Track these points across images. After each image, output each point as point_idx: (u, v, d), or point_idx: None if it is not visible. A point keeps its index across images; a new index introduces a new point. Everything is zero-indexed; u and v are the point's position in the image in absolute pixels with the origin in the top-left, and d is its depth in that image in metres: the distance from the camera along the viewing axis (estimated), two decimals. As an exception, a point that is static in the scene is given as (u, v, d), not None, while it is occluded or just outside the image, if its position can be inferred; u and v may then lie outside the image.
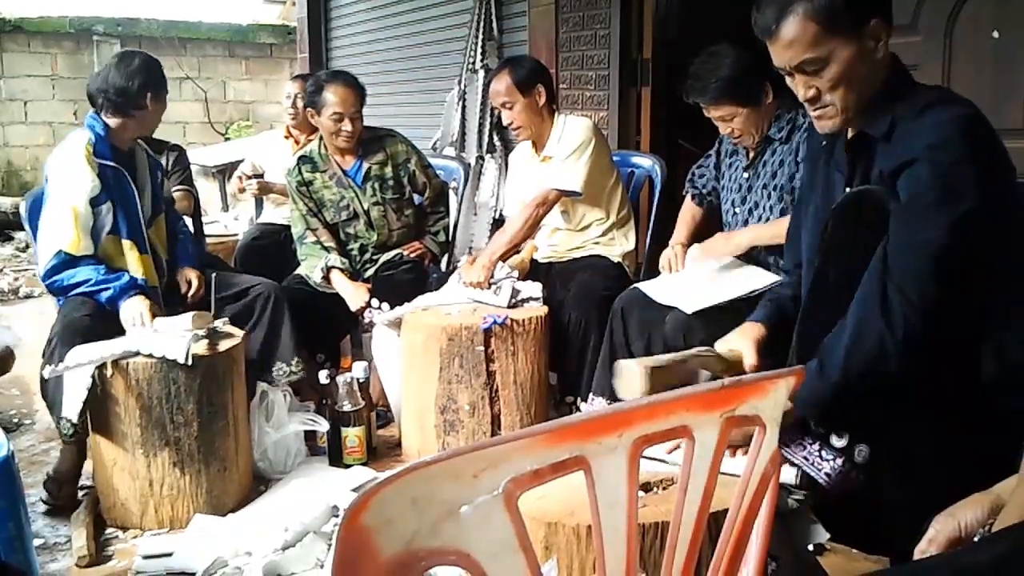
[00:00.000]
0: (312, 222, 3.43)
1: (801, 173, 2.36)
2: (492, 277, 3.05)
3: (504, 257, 3.12)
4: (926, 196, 1.55)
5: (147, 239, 2.90)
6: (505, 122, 3.21)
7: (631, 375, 1.68)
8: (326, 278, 3.33)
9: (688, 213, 3.00)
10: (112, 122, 2.85)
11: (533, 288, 3.03)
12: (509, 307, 2.91)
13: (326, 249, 3.39)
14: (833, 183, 1.81)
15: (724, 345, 1.86)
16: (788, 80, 1.74)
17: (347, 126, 3.32)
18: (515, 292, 2.97)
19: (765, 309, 1.94)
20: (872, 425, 1.67)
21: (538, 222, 3.12)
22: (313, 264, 3.35)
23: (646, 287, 2.63)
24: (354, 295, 3.28)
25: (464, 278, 3.06)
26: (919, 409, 1.60)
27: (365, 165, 3.44)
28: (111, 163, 2.82)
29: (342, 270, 3.35)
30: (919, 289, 1.54)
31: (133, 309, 2.67)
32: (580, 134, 3.08)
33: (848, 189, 1.75)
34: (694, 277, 2.63)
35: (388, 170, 3.45)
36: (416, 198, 3.61)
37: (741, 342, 1.85)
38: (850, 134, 1.76)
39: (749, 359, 1.81)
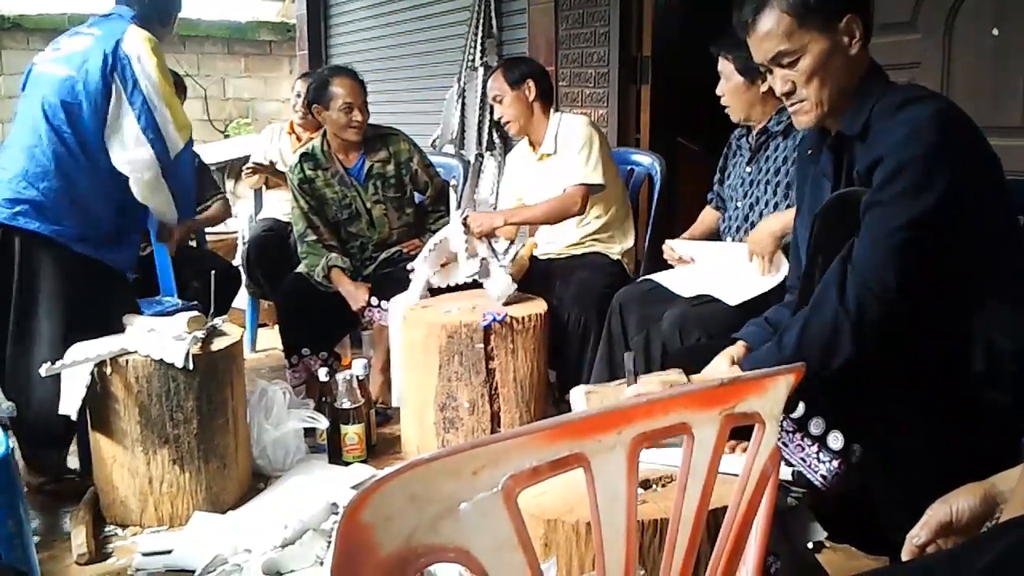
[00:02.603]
0: (313, 220, 3.43)
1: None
2: (493, 244, 3.02)
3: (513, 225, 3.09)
4: (892, 188, 1.57)
5: None
6: (496, 115, 3.23)
7: (574, 399, 1.84)
8: (327, 277, 3.33)
9: (705, 215, 3.00)
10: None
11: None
12: (504, 304, 2.92)
13: (328, 248, 3.40)
14: (820, 186, 1.83)
15: (709, 371, 1.85)
16: (768, 76, 1.77)
17: (357, 116, 3.33)
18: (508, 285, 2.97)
19: (754, 327, 1.93)
20: (863, 424, 1.67)
21: (566, 217, 3.09)
22: (314, 263, 3.36)
23: (665, 280, 2.61)
24: (355, 295, 3.30)
25: (472, 223, 3.01)
26: (909, 405, 1.61)
27: (368, 163, 3.44)
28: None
29: (343, 269, 3.36)
30: (877, 279, 1.57)
31: None
32: (583, 130, 3.07)
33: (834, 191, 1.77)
34: (717, 266, 2.62)
35: (390, 168, 3.46)
36: (417, 197, 3.61)
37: (719, 363, 1.84)
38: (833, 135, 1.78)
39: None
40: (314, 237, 3.41)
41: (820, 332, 1.61)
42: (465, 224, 2.98)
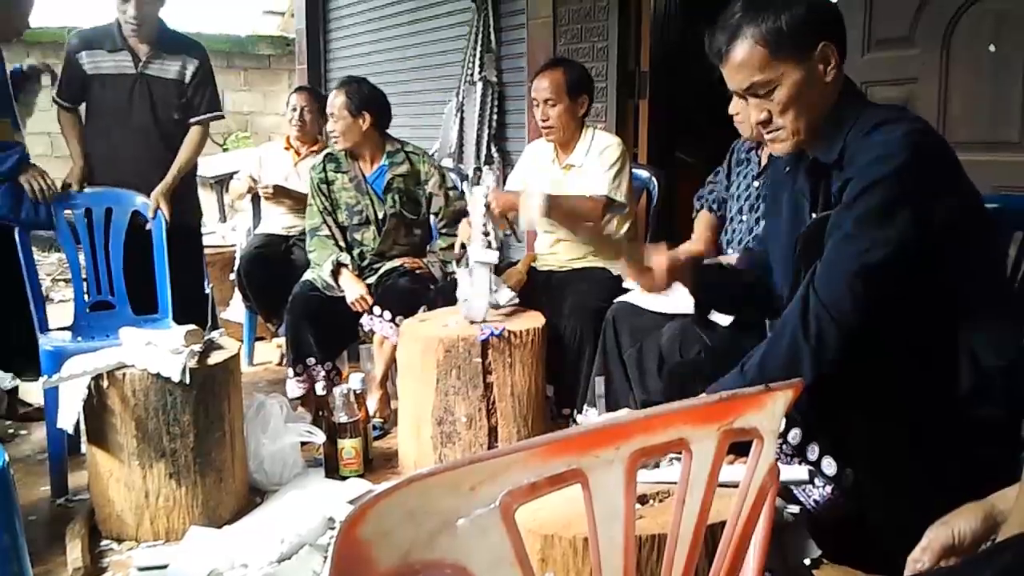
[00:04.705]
0: (327, 219, 3.54)
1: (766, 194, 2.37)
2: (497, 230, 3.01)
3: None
4: (855, 209, 1.58)
5: None
6: (540, 118, 3.17)
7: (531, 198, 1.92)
8: (335, 272, 3.39)
9: (702, 223, 2.98)
10: None
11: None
12: (497, 308, 2.92)
13: (337, 246, 3.50)
14: (800, 208, 1.84)
15: (648, 251, 1.94)
16: (745, 104, 1.77)
17: (330, 125, 3.51)
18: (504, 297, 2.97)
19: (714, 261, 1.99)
20: (858, 448, 1.67)
21: (588, 219, 3.06)
22: (322, 257, 3.44)
23: (637, 300, 2.62)
24: (354, 287, 3.36)
25: (492, 200, 2.96)
26: (903, 426, 1.61)
27: (389, 175, 3.52)
28: None
29: (348, 268, 3.43)
30: (836, 302, 1.58)
31: None
32: (618, 149, 3.11)
33: (813, 214, 1.77)
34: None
35: (411, 185, 3.53)
36: (432, 219, 3.62)
37: (656, 257, 1.93)
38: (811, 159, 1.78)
39: (657, 267, 1.91)
40: (327, 233, 3.53)
41: (781, 358, 1.61)
42: (487, 205, 2.96)
